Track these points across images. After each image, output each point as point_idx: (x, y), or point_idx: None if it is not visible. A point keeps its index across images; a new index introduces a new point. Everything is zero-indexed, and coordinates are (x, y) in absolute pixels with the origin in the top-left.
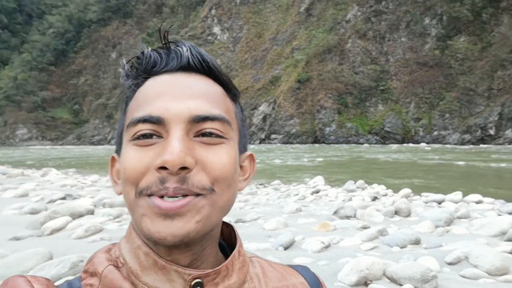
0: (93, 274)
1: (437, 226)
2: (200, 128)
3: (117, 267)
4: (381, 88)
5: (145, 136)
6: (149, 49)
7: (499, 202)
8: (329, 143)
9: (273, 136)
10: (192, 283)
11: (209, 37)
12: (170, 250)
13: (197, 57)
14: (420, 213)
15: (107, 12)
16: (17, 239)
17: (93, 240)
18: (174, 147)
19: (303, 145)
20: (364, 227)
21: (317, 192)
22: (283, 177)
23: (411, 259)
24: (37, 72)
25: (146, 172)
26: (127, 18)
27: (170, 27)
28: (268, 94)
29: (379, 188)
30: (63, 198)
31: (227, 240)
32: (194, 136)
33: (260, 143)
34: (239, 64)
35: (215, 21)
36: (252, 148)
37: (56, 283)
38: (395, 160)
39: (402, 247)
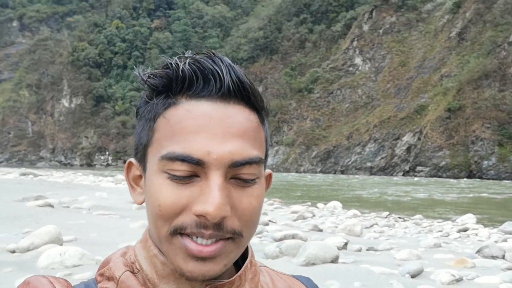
0: (110, 279)
1: None
2: (238, 172)
3: (133, 273)
4: None
5: (182, 176)
6: (181, 63)
7: None
8: (488, 179)
9: (418, 168)
10: None
11: (350, 68)
12: None
13: (237, 83)
14: None
15: (256, 50)
16: None
17: None
18: (216, 198)
19: (455, 179)
20: (510, 269)
21: (465, 230)
22: (426, 212)
23: None
24: None
25: (182, 211)
26: (273, 55)
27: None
28: (413, 124)
29: None
30: None
31: None
32: (231, 178)
33: (403, 175)
34: (381, 93)
35: (357, 52)
36: (395, 180)
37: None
38: None
39: None
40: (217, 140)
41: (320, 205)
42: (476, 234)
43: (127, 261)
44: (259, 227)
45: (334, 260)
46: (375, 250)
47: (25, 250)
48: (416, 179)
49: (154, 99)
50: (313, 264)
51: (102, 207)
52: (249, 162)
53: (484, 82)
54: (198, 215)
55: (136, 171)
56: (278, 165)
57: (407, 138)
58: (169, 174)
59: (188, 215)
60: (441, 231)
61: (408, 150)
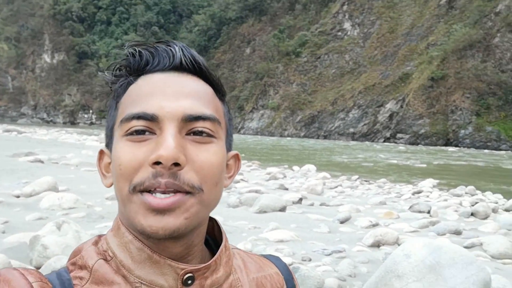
0: (82, 267)
1: (507, 230)
2: (192, 126)
3: (106, 260)
4: None
5: (138, 132)
6: (139, 48)
7: None
8: (463, 147)
9: (399, 135)
10: (184, 277)
11: (339, 33)
12: (162, 243)
13: (189, 57)
14: (497, 217)
15: (244, 10)
16: None
17: None
18: (169, 142)
19: (432, 147)
20: (425, 218)
21: (419, 192)
22: (393, 176)
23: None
24: None
25: (140, 167)
26: (262, 16)
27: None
28: (397, 92)
29: (492, 197)
30: None
31: (210, 234)
32: (186, 134)
33: (384, 141)
34: (368, 60)
35: (346, 16)
36: (374, 147)
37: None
38: None
39: (440, 234)
40: (171, 98)
41: (295, 167)
42: (428, 196)
43: (99, 249)
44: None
45: (282, 209)
46: (326, 206)
47: (28, 195)
48: (396, 146)
49: (118, 83)
50: (265, 211)
51: (89, 164)
52: (202, 117)
53: (468, 52)
54: (153, 164)
55: (107, 158)
56: (262, 128)
57: (390, 106)
58: (127, 135)
59: (146, 169)
60: (398, 193)
61: (391, 117)
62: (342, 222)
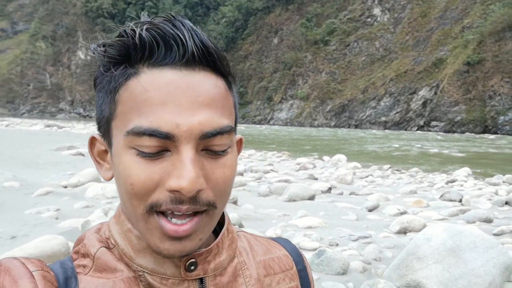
0: (85, 255)
1: None
2: (209, 144)
3: (108, 248)
4: None
5: (152, 153)
6: (138, 29)
7: None
8: (503, 134)
9: (433, 123)
10: (187, 263)
11: (368, 19)
12: None
13: (201, 48)
14: None
15: (271, 0)
16: None
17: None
18: (189, 171)
19: (470, 134)
20: (456, 207)
21: (453, 181)
22: (426, 166)
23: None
24: None
25: (155, 188)
26: (289, 5)
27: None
28: (431, 78)
29: None
30: None
31: None
32: (202, 150)
33: (417, 129)
34: (399, 46)
35: (376, 2)
36: (408, 135)
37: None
38: None
39: (470, 222)
40: (185, 112)
41: (325, 158)
42: (461, 185)
43: (102, 237)
44: (260, 174)
45: (311, 198)
46: (356, 195)
47: (74, 185)
48: (431, 134)
49: (113, 70)
50: (294, 200)
51: None
52: (220, 132)
53: (508, 34)
54: (172, 191)
55: (100, 146)
56: (292, 119)
57: (424, 93)
58: (137, 150)
59: (162, 191)
60: (431, 182)
61: (424, 104)
62: (370, 210)
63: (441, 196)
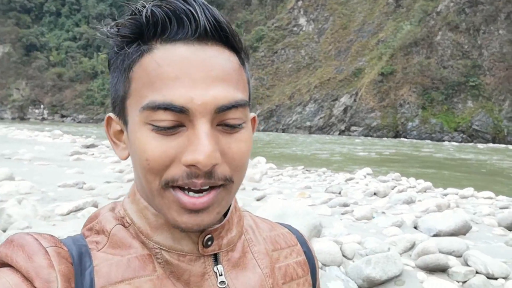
0: (99, 232)
1: (393, 204)
2: (224, 118)
3: (124, 226)
4: (472, 83)
5: (167, 127)
6: (149, 6)
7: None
8: (411, 139)
9: (353, 128)
10: (205, 238)
11: (295, 28)
12: None
13: (213, 23)
14: (393, 196)
15: None
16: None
17: None
18: (205, 145)
19: (383, 139)
20: (330, 197)
21: (351, 179)
22: (335, 166)
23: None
24: None
25: (171, 163)
26: (219, 10)
27: None
28: (350, 86)
29: (415, 182)
30: None
31: None
32: (217, 125)
33: (339, 134)
34: (323, 55)
35: (301, 12)
36: (330, 138)
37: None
38: (480, 161)
39: (331, 207)
40: (199, 86)
41: None
42: (357, 183)
43: (117, 215)
44: None
45: None
46: (258, 190)
47: None
48: (352, 138)
49: (126, 48)
50: None
51: (42, 159)
52: (235, 106)
53: (414, 49)
54: (188, 165)
55: (116, 126)
56: None
57: (344, 100)
58: (153, 125)
59: (178, 166)
60: (333, 180)
61: (345, 110)
62: (258, 200)
63: (326, 189)
